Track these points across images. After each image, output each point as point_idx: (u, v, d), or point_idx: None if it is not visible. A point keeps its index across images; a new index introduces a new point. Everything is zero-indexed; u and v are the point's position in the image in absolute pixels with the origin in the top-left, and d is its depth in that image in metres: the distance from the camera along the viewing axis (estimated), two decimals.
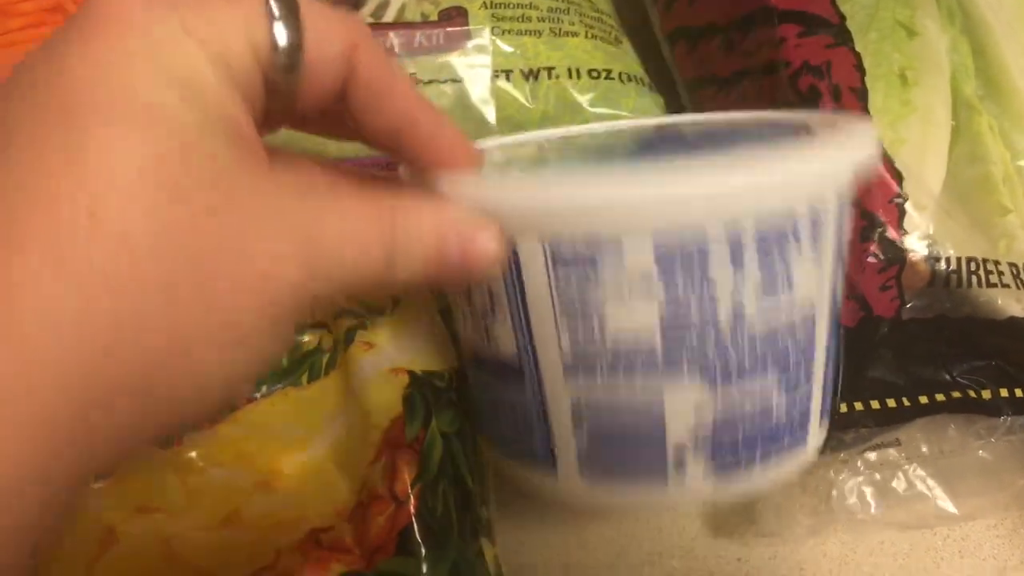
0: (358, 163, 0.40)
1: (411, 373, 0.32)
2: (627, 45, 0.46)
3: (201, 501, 0.29)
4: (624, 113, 0.42)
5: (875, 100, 0.36)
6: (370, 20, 0.42)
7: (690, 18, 0.44)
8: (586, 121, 0.42)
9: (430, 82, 0.40)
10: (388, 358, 0.32)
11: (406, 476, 0.28)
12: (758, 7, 0.39)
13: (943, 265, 0.36)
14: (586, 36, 0.43)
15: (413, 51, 0.41)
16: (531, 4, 0.43)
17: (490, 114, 0.40)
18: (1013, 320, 0.36)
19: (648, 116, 0.42)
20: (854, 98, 0.36)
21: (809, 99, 0.36)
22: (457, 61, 0.41)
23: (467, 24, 0.42)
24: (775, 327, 0.24)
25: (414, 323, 0.34)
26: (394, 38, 0.41)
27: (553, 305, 0.24)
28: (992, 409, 0.34)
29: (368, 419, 0.30)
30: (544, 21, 0.43)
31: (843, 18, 0.38)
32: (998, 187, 0.38)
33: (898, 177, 0.36)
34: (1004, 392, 0.35)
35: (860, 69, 0.37)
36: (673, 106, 0.45)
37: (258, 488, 0.29)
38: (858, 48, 0.37)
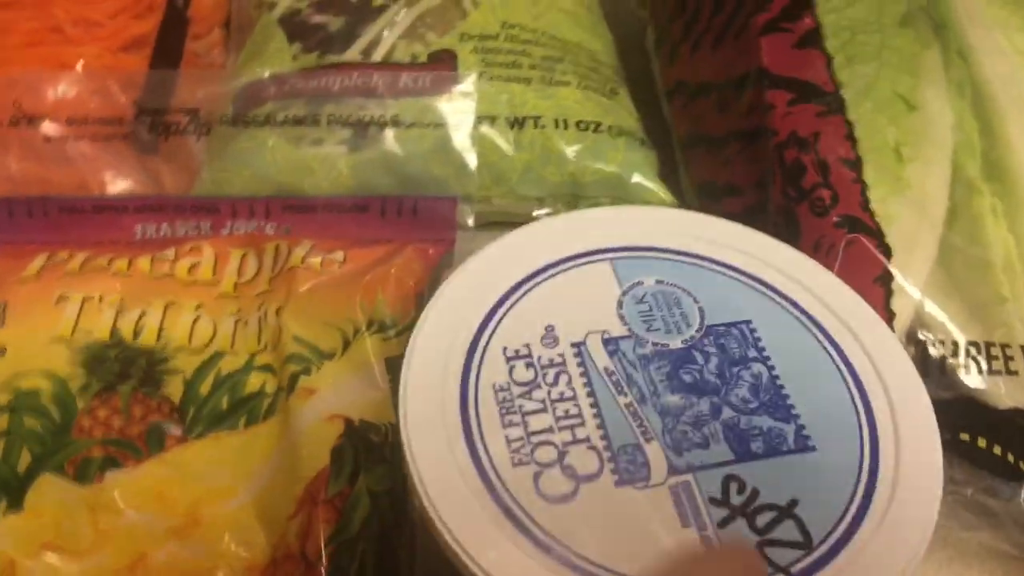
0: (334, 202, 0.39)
1: (347, 421, 0.30)
2: (623, 97, 0.45)
3: (109, 544, 0.28)
4: (610, 167, 0.41)
5: (867, 173, 0.35)
6: (358, 58, 0.41)
7: (690, 73, 0.43)
8: (570, 175, 0.41)
9: (411, 125, 0.40)
10: (328, 404, 0.31)
11: (320, 535, 0.27)
12: (752, 69, 0.38)
13: (935, 348, 0.34)
14: (578, 86, 0.42)
15: (398, 93, 0.40)
16: (524, 51, 0.42)
17: (471, 160, 0.40)
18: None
19: (637, 173, 0.41)
20: (845, 168, 0.34)
21: (793, 173, 0.35)
22: (441, 105, 0.40)
23: (455, 68, 0.41)
24: None
25: (361, 370, 0.33)
26: (379, 79, 0.40)
27: None
28: None
29: (295, 469, 0.29)
30: (535, 69, 0.42)
31: (838, 86, 0.36)
32: (997, 274, 0.36)
33: (887, 253, 0.34)
34: None
35: (851, 138, 0.35)
36: (667, 163, 0.44)
37: (172, 534, 0.28)
38: (851, 117, 0.35)
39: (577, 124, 0.41)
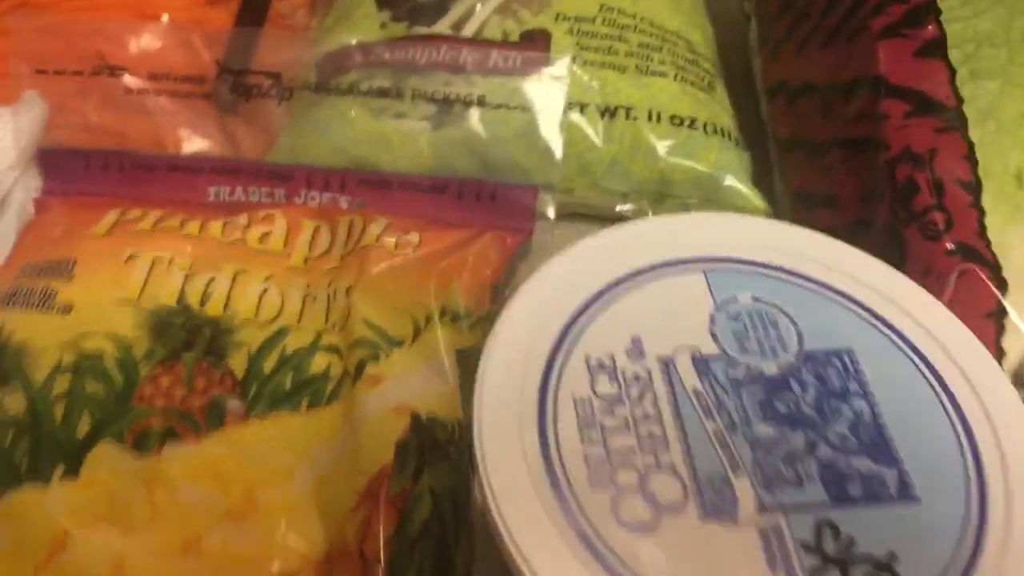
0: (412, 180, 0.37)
1: (414, 415, 0.29)
2: (721, 92, 0.42)
3: (163, 521, 0.27)
4: (702, 167, 0.39)
5: (985, 198, 0.32)
6: (448, 32, 0.40)
7: (793, 71, 0.40)
8: (660, 172, 0.39)
9: (498, 106, 0.38)
10: (395, 395, 0.30)
11: (379, 534, 0.26)
12: (867, 75, 0.35)
13: None
14: (675, 78, 0.40)
15: (486, 71, 0.38)
16: (620, 36, 0.40)
17: (557, 149, 0.38)
18: None
19: (730, 175, 0.39)
20: (961, 191, 0.32)
21: (904, 192, 0.32)
22: (531, 87, 0.38)
23: (548, 49, 0.39)
24: None
25: (431, 360, 0.31)
26: (468, 55, 0.38)
27: None
28: None
29: (357, 461, 0.28)
30: (632, 56, 0.40)
31: (961, 101, 0.34)
32: None
33: (1002, 287, 0.31)
34: None
35: (971, 159, 0.33)
36: (759, 164, 0.41)
37: (227, 517, 0.27)
38: (972, 137, 0.33)
39: (671, 118, 0.39)
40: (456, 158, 0.38)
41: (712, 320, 0.28)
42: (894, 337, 0.28)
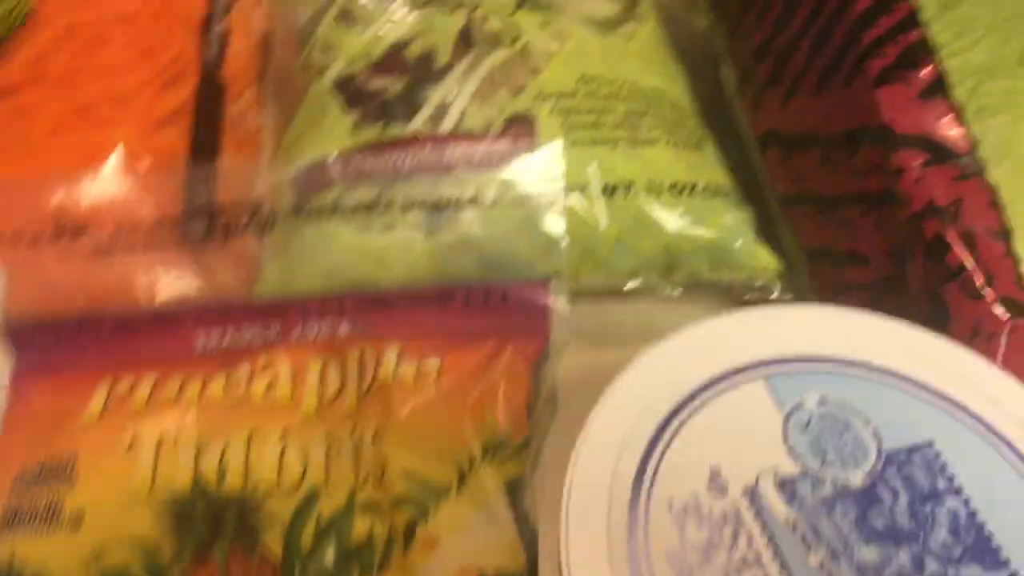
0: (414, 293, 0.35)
1: None
2: (711, 147, 0.41)
3: None
4: (710, 233, 0.37)
5: (1016, 245, 0.31)
6: (427, 128, 0.37)
7: (784, 122, 0.39)
8: (666, 245, 0.37)
9: (493, 204, 0.36)
10: (454, 557, 0.28)
11: None
12: (871, 125, 0.34)
13: None
14: (667, 143, 0.38)
15: (475, 167, 0.36)
16: (605, 108, 0.38)
17: (561, 238, 0.36)
18: None
19: (738, 238, 0.37)
20: (994, 241, 0.31)
21: (936, 250, 0.31)
22: (524, 178, 0.36)
23: (535, 133, 0.37)
24: None
25: (484, 507, 0.29)
26: (453, 152, 0.36)
27: None
28: None
29: None
30: (620, 128, 0.38)
31: (975, 144, 0.33)
32: None
33: None
34: None
35: (997, 205, 0.32)
36: (759, 217, 0.40)
37: None
38: (992, 180, 0.32)
39: (671, 188, 0.37)
40: (455, 263, 0.36)
41: (785, 434, 0.26)
42: (970, 420, 0.27)
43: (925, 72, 0.34)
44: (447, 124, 0.37)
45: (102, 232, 0.33)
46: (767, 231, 0.40)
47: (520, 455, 0.31)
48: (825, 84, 0.37)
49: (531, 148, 0.36)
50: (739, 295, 0.39)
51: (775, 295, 0.38)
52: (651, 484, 0.25)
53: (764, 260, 0.38)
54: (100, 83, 0.38)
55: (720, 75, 0.45)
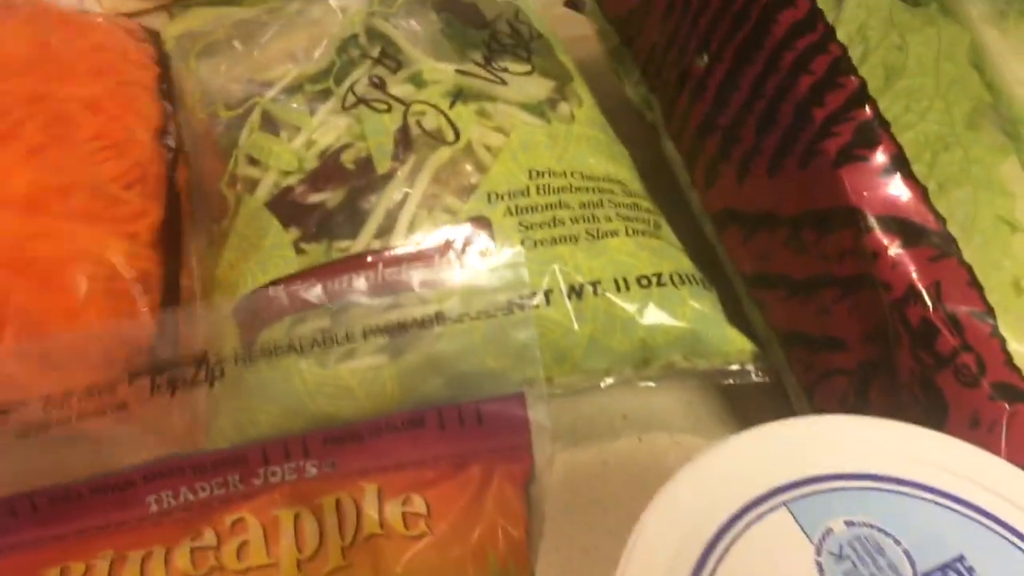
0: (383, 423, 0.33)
1: None
2: (667, 230, 0.40)
3: None
4: (681, 324, 0.36)
5: (1000, 325, 0.31)
6: (376, 244, 0.35)
7: (741, 200, 0.38)
8: (640, 340, 0.35)
9: (460, 318, 0.33)
10: None
11: None
12: (837, 207, 0.33)
13: None
14: (627, 233, 0.37)
15: (435, 281, 0.34)
16: (560, 202, 0.37)
17: (532, 346, 0.34)
18: None
19: (709, 325, 0.36)
20: (978, 323, 0.31)
21: (924, 336, 0.31)
22: (488, 286, 0.34)
23: (492, 238, 0.35)
24: None
25: None
26: (409, 268, 0.34)
27: None
28: None
29: None
30: (578, 222, 0.36)
31: (943, 221, 0.32)
32: None
33: None
34: None
35: (975, 285, 0.31)
36: (721, 291, 0.39)
37: None
38: (967, 257, 0.32)
39: (638, 281, 0.36)
40: (424, 384, 0.34)
41: (820, 569, 0.25)
42: (997, 527, 0.26)
43: (883, 149, 0.34)
44: (397, 236, 0.35)
45: (31, 409, 0.29)
46: (732, 306, 0.39)
47: None
48: (780, 165, 0.36)
49: (491, 254, 0.34)
50: (715, 380, 0.38)
51: (754, 378, 0.37)
52: None
53: (738, 343, 0.37)
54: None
55: (662, 147, 0.44)
